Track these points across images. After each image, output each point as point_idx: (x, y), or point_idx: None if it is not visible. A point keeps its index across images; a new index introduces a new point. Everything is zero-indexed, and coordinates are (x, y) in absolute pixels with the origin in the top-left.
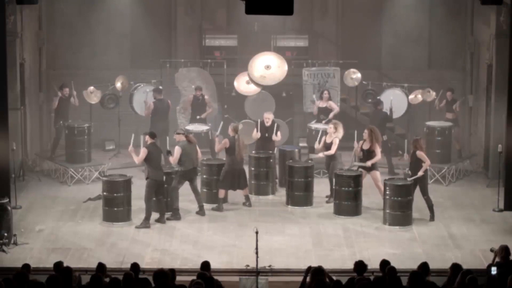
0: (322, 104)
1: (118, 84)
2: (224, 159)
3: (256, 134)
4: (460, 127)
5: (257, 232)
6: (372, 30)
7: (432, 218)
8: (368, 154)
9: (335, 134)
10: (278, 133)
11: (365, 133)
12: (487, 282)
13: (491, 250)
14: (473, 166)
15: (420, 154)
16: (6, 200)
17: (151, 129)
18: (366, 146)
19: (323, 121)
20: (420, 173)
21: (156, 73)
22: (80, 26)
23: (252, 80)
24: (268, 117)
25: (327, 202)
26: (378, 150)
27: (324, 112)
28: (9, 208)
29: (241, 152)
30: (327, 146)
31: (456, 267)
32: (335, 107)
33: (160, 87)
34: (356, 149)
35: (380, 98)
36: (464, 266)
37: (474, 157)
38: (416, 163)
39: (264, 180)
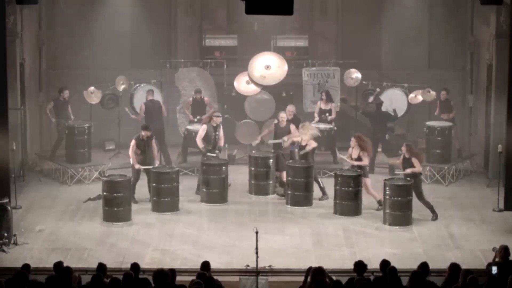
0: (323, 106)
1: (119, 85)
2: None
3: (257, 138)
4: (457, 126)
5: (257, 232)
6: (372, 30)
7: (435, 217)
8: (358, 161)
9: (305, 137)
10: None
11: (352, 141)
12: (487, 281)
13: (493, 250)
14: (473, 166)
15: (415, 161)
16: (6, 200)
17: None
18: (355, 154)
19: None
20: (408, 171)
21: (156, 73)
22: (80, 26)
23: (252, 80)
24: (283, 117)
25: (320, 199)
26: (365, 157)
27: (326, 114)
28: (9, 208)
29: None
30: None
31: (454, 267)
32: (333, 113)
33: (152, 88)
34: (349, 156)
35: (380, 98)
36: (464, 266)
37: (474, 157)
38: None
39: (264, 180)
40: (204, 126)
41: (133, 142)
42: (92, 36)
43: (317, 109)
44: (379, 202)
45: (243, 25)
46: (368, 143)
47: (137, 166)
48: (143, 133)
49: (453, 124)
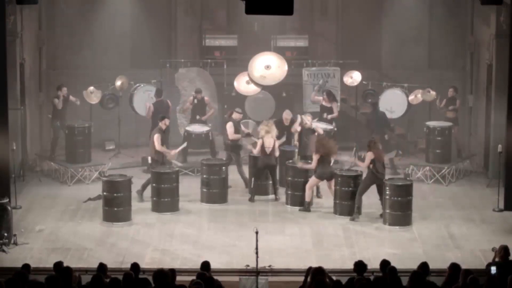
0: (326, 103)
1: (118, 84)
2: (224, 158)
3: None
4: (459, 126)
5: (257, 232)
6: (372, 30)
7: (352, 219)
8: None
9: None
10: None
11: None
12: (487, 281)
13: (493, 250)
14: (473, 166)
15: (368, 154)
16: (6, 200)
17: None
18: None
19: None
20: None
21: (156, 73)
22: (80, 26)
23: (252, 80)
24: (287, 118)
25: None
26: (315, 157)
27: (328, 111)
28: (9, 208)
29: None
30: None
31: (454, 267)
32: (335, 111)
33: (160, 88)
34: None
35: (380, 97)
36: (464, 266)
37: (474, 157)
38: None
39: (264, 180)
40: (230, 123)
41: (157, 136)
42: (92, 36)
43: (317, 99)
44: (307, 203)
45: (243, 25)
46: (330, 148)
47: (173, 152)
48: (161, 123)
49: (455, 124)
